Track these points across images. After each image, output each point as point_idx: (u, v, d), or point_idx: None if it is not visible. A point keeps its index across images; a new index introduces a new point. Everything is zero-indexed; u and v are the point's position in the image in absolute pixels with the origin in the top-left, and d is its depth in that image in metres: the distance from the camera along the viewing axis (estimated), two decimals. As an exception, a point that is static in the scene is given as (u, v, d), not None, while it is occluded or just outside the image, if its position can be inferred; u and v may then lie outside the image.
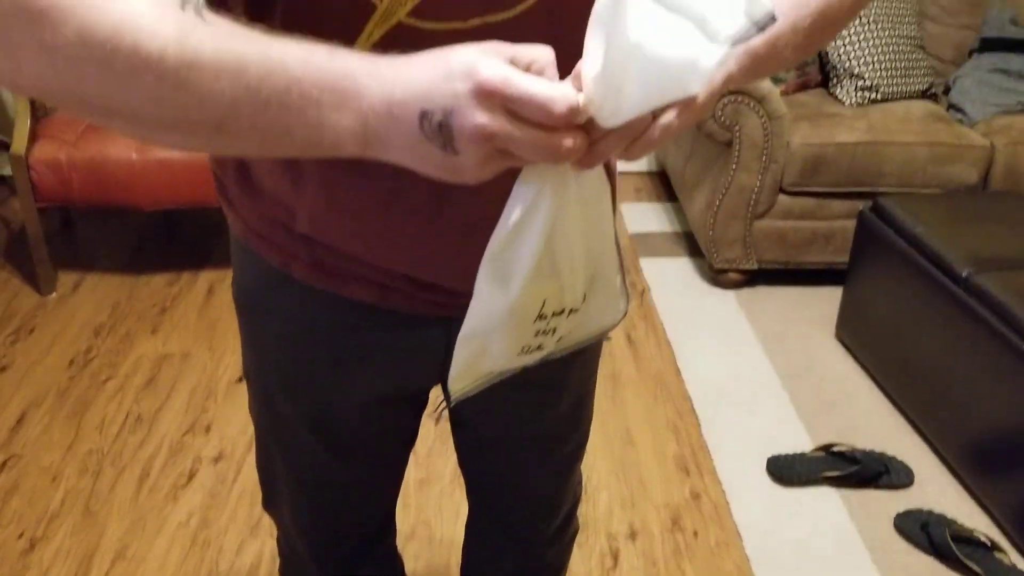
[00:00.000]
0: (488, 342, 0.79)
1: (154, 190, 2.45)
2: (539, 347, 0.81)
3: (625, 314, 0.89)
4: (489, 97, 0.57)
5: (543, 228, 0.70)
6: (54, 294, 2.59)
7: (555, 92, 0.58)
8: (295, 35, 0.62)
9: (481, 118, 0.57)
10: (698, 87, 0.63)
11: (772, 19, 0.63)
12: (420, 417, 1.07)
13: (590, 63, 0.61)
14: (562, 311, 0.78)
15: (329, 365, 0.93)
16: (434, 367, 0.95)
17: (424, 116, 0.58)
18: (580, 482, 1.22)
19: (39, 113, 2.61)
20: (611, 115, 0.63)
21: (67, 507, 1.86)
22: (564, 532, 1.20)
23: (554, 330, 0.80)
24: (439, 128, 0.58)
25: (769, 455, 2.00)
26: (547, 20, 0.72)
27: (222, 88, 0.59)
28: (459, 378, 0.83)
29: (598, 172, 0.72)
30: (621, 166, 3.39)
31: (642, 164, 3.41)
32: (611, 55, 0.61)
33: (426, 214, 0.80)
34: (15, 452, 2.00)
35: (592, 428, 2.02)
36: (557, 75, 0.60)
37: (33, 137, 2.44)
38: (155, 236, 2.93)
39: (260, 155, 0.67)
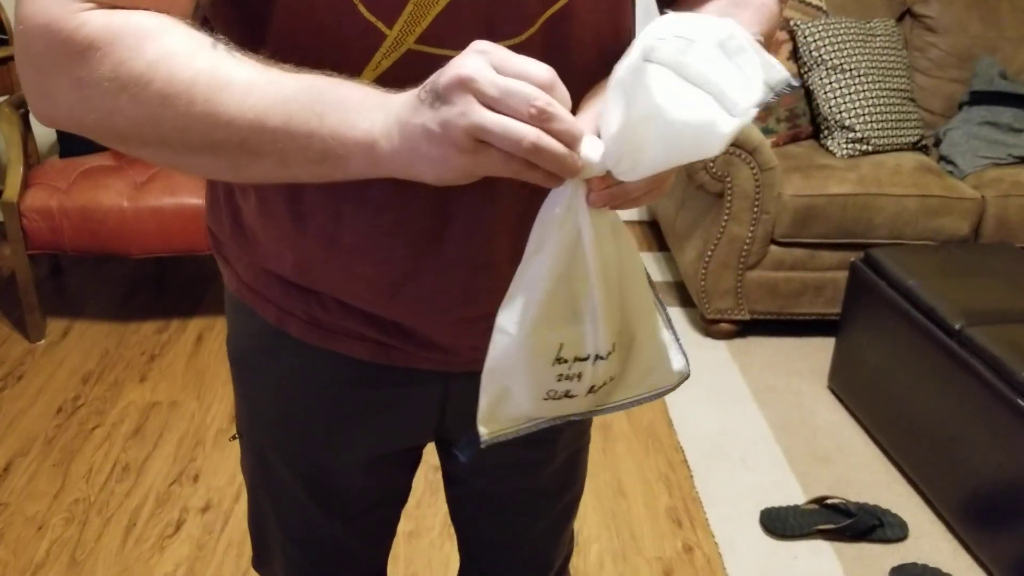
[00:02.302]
0: (509, 383, 0.80)
1: (144, 238, 2.45)
2: (567, 394, 0.81)
3: (685, 376, 0.87)
4: (478, 54, 0.60)
5: (551, 269, 0.72)
6: (43, 341, 2.58)
7: (536, 65, 0.61)
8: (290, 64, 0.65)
9: (465, 66, 0.59)
10: (718, 149, 0.65)
11: (789, 86, 0.66)
12: (414, 475, 1.05)
13: (609, 122, 0.65)
14: (586, 357, 0.78)
15: (325, 424, 0.92)
16: (430, 423, 0.94)
17: (421, 88, 0.62)
18: (572, 537, 1.20)
19: (31, 161, 2.63)
20: (629, 170, 0.67)
21: (52, 557, 1.83)
22: None
23: (579, 376, 0.79)
24: (430, 88, 0.61)
25: (762, 508, 1.98)
26: (549, 49, 0.73)
27: (251, 103, 0.62)
28: (487, 420, 0.83)
29: (620, 224, 0.74)
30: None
31: (633, 213, 3.43)
32: (631, 115, 0.64)
33: (428, 247, 0.79)
34: (1, 500, 1.97)
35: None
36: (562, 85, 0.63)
37: (25, 184, 2.45)
38: (145, 284, 2.93)
39: (276, 176, 0.67)
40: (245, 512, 1.93)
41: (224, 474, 2.07)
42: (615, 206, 0.70)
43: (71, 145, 2.67)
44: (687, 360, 0.87)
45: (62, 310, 2.75)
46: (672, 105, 0.64)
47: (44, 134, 3.10)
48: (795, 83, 0.66)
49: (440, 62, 0.62)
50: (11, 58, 2.75)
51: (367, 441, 0.93)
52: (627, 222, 3.39)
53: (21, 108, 2.60)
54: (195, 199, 2.44)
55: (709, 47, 0.65)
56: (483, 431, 0.84)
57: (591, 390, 0.82)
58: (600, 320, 0.76)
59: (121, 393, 2.35)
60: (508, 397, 0.82)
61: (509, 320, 0.75)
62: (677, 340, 0.86)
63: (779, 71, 0.65)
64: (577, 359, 0.78)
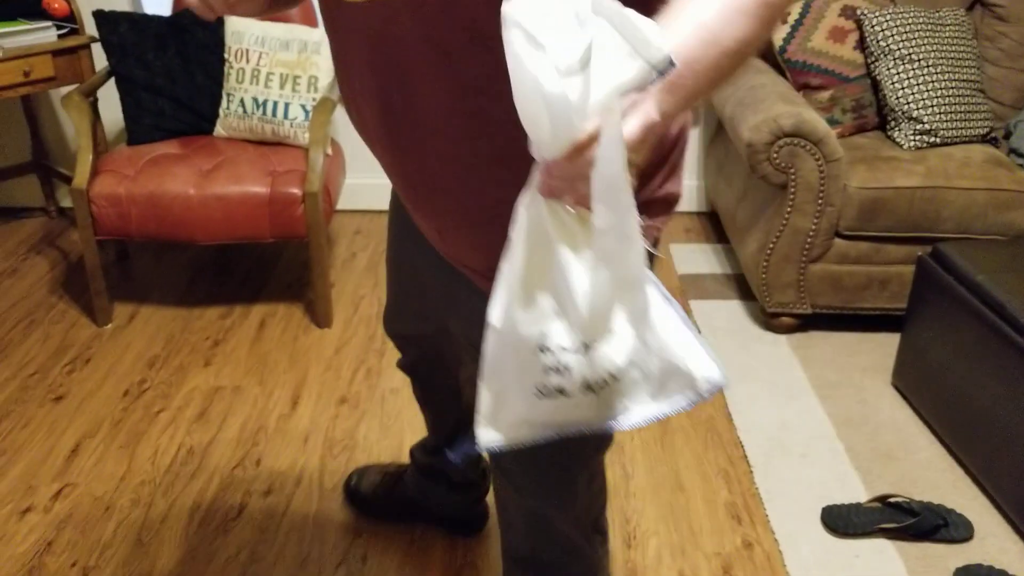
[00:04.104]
0: (504, 380, 0.80)
1: (209, 225, 2.49)
2: (561, 391, 0.80)
3: (716, 385, 0.84)
4: None
5: (525, 259, 0.76)
6: (110, 325, 2.64)
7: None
8: None
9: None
10: (564, 122, 0.67)
11: (671, 64, 0.68)
12: None
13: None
14: (571, 347, 0.79)
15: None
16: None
17: None
18: (566, 541, 1.22)
19: (100, 148, 2.68)
20: (536, 149, 0.71)
21: (119, 537, 1.87)
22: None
23: (568, 368, 0.79)
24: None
25: (823, 505, 1.96)
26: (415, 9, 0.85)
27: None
28: (487, 422, 0.83)
29: (591, 220, 0.75)
30: (671, 206, 3.38)
31: (692, 204, 3.40)
32: (520, 92, 0.68)
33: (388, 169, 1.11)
34: (70, 481, 2.03)
35: (640, 472, 2.01)
36: None
37: (94, 171, 2.50)
38: (209, 270, 2.98)
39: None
40: (307, 497, 1.96)
41: (286, 459, 2.10)
42: (554, 193, 0.75)
43: (139, 133, 2.72)
44: (719, 367, 0.84)
45: (129, 295, 2.81)
46: (518, 67, 0.65)
47: (112, 122, 3.17)
48: (675, 63, 0.70)
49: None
50: (82, 47, 2.81)
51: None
52: (686, 213, 3.36)
53: (90, 96, 2.66)
54: (259, 187, 2.47)
55: (564, 14, 0.66)
56: (484, 435, 0.84)
57: (588, 388, 0.81)
58: (580, 309, 0.76)
59: (186, 377, 2.40)
60: (505, 397, 0.82)
61: (496, 314, 0.79)
62: (702, 345, 0.83)
63: (658, 48, 0.67)
64: (562, 348, 0.78)
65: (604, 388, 0.81)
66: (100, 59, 2.97)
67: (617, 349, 0.80)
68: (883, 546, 1.88)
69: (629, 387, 0.83)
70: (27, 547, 1.85)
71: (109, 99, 2.92)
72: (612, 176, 0.68)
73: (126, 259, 3.03)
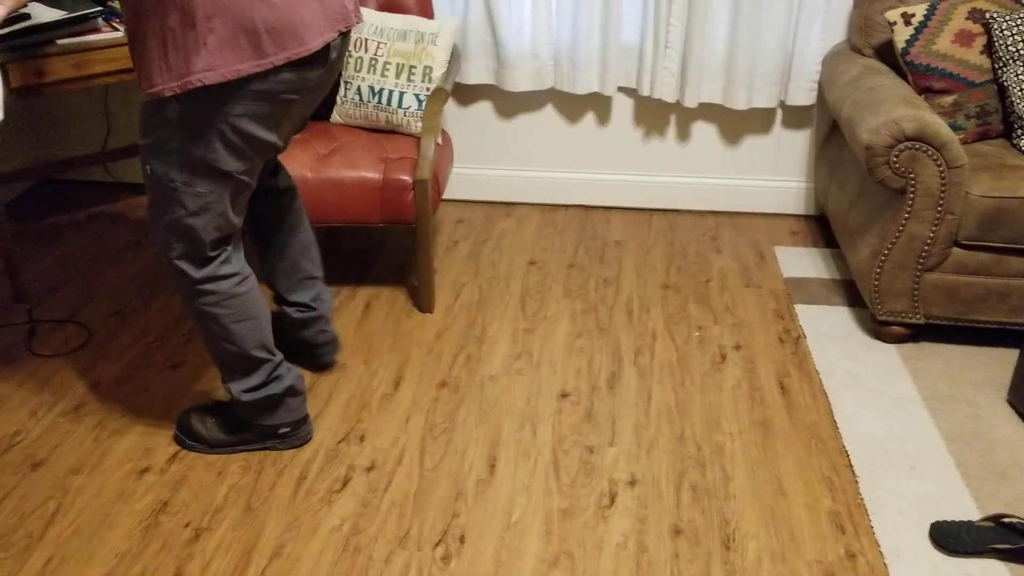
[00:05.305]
0: None
1: (324, 207, 2.56)
2: None
3: None
4: None
5: None
6: (225, 299, 2.74)
7: None
8: None
9: None
10: None
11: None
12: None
13: None
14: None
15: None
16: None
17: None
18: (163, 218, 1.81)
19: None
20: None
21: (230, 502, 1.95)
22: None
23: None
24: None
25: (932, 520, 1.90)
26: None
27: None
28: None
29: None
30: (776, 208, 3.32)
31: (799, 207, 3.33)
32: None
33: None
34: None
35: (740, 475, 2.01)
36: None
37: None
38: (319, 250, 3.06)
39: None
40: (408, 475, 2.01)
41: (388, 437, 2.15)
42: None
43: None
44: None
45: (241, 272, 2.91)
46: None
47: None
48: None
49: None
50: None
51: None
52: (793, 215, 3.29)
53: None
54: (372, 173, 2.53)
55: None
56: None
57: None
58: None
59: (294, 353, 2.48)
60: None
61: None
62: None
63: None
64: None
65: None
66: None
67: None
68: (995, 567, 1.82)
69: None
70: (144, 505, 1.94)
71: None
72: None
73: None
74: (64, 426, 2.18)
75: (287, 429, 2.08)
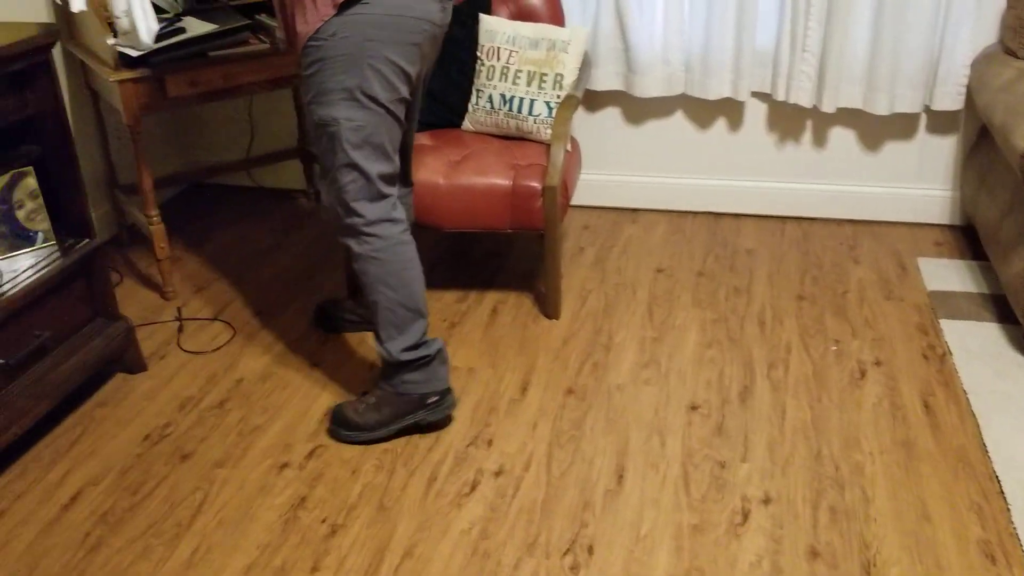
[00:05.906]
0: None
1: (454, 213, 2.61)
2: None
3: None
4: None
5: None
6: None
7: None
8: None
9: None
10: None
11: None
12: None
13: None
14: None
15: None
16: None
17: None
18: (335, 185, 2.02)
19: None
20: None
21: (364, 500, 2.01)
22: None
23: None
24: None
25: (1094, 555, 1.78)
26: None
27: None
28: None
29: None
30: (919, 217, 3.17)
31: (944, 216, 3.17)
32: None
33: None
34: (322, 442, 2.19)
35: (882, 497, 1.94)
36: None
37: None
38: (448, 255, 3.12)
39: None
40: (535, 481, 2.02)
41: (515, 442, 2.17)
42: None
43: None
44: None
45: (374, 275, 2.99)
46: None
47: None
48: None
49: None
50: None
51: None
52: (938, 225, 3.15)
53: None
54: (502, 180, 2.56)
55: None
56: None
57: None
58: None
59: (424, 356, 2.53)
60: None
61: None
62: None
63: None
64: None
65: None
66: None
67: None
68: None
69: None
70: (283, 499, 2.02)
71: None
72: None
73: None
74: (210, 420, 2.29)
75: (436, 398, 2.15)
